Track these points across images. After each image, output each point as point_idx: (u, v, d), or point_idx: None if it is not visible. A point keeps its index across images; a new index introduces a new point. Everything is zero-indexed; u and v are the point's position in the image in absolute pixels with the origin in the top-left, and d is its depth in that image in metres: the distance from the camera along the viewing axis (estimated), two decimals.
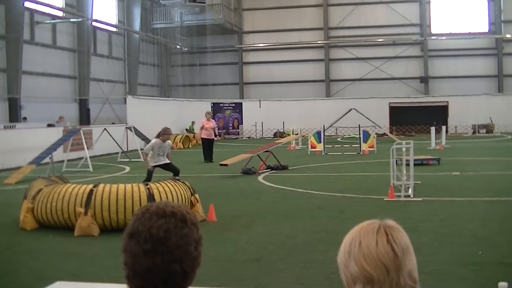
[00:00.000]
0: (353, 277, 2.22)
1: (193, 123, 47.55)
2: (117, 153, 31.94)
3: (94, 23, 44.42)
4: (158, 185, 12.95)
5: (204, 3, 54.25)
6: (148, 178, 16.98)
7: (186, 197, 13.19)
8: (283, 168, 24.58)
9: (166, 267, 2.20)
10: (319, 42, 59.48)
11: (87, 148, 28.14)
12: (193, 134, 45.20)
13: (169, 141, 18.50)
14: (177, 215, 2.28)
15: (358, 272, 2.21)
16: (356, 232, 2.30)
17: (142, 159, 21.42)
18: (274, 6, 59.44)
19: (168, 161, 18.29)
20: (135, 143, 33.04)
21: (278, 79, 59.27)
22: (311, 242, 11.07)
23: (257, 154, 24.88)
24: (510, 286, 3.23)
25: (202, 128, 29.73)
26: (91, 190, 12.45)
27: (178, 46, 58.07)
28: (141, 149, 20.13)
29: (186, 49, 58.57)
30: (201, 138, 30.22)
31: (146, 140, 33.62)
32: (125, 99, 42.80)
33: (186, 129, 48.24)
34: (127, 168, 27.16)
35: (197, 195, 13.57)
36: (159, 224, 2.23)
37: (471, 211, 14.04)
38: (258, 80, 60.10)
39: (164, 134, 18.12)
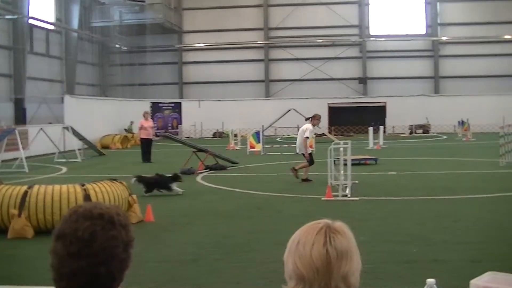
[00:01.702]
0: (289, 273, 2.26)
1: (131, 123, 47.15)
2: (54, 153, 31.44)
3: (30, 21, 43.54)
4: (95, 185, 12.79)
5: (144, 2, 53.85)
6: (312, 161, 19.78)
7: (124, 197, 13.06)
8: (222, 168, 24.57)
9: (92, 270, 2.16)
10: (259, 42, 59.58)
11: (23, 148, 27.55)
12: (131, 134, 44.83)
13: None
14: (105, 217, 2.24)
15: (292, 270, 2.24)
16: (301, 230, 2.32)
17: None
18: (214, 6, 59.26)
19: None
20: (73, 143, 32.57)
21: (218, 79, 59.16)
22: (249, 242, 11.09)
23: (196, 154, 24.78)
24: (438, 282, 3.29)
25: (141, 128, 29.51)
26: (26, 192, 12.21)
27: (117, 45, 57.45)
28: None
29: (126, 48, 57.97)
30: (140, 138, 29.98)
31: (84, 140, 33.24)
32: (63, 98, 42.15)
33: (125, 129, 47.80)
34: (64, 169, 26.77)
35: (134, 196, 13.46)
36: (85, 226, 2.19)
37: (407, 210, 14.26)
38: (197, 80, 59.87)
39: (314, 119, 20.44)
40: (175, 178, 17.94)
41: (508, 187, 17.80)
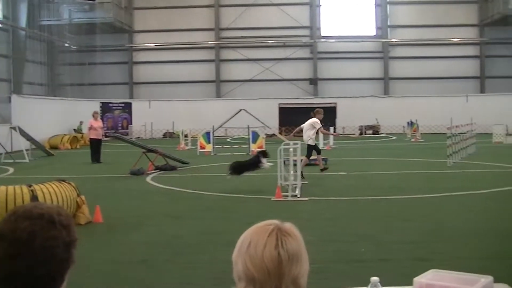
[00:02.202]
0: (239, 274, 2.26)
1: (81, 123, 46.69)
2: (1, 154, 30.95)
3: None
4: (42, 186, 12.64)
5: (94, 0, 53.31)
6: (319, 150, 21.72)
7: (72, 198, 12.92)
8: (172, 168, 24.47)
9: (31, 270, 2.13)
10: (210, 42, 59.50)
11: None
12: (81, 135, 44.40)
13: None
14: (45, 217, 2.21)
15: (242, 271, 2.25)
16: (251, 231, 2.33)
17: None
18: (165, 6, 58.96)
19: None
20: (20, 143, 32.08)
21: (169, 79, 58.87)
22: (199, 242, 11.08)
23: (146, 154, 24.63)
24: (382, 281, 3.33)
25: (90, 128, 29.23)
26: None
27: (66, 44, 56.66)
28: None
29: (75, 47, 57.21)
30: (90, 138, 29.69)
31: (32, 140, 32.79)
32: (10, 98, 41.52)
33: (74, 129, 47.33)
34: (11, 170, 26.37)
35: (83, 196, 13.31)
36: (24, 226, 2.16)
37: (356, 210, 14.41)
38: (148, 80, 59.50)
39: (318, 113, 21.67)
40: (264, 154, 19.03)
41: (455, 187, 18.10)
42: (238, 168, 18.77)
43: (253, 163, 18.75)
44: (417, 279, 3.57)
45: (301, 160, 19.35)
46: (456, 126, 27.42)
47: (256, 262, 2.21)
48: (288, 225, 2.34)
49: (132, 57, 60.43)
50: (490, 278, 3.55)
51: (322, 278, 8.43)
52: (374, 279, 3.34)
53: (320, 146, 34.91)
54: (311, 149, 21.36)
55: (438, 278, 3.54)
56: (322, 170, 21.83)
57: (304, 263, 2.28)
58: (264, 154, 18.97)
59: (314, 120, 21.55)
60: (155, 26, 59.07)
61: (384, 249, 10.35)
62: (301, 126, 21.90)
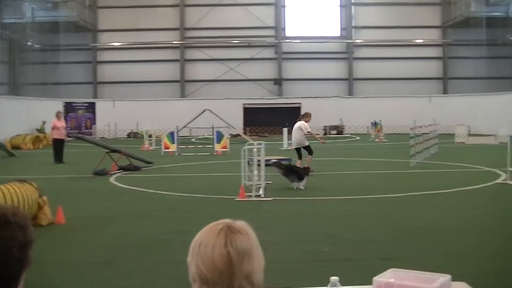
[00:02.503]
0: (193, 276, 2.26)
1: (44, 123, 46.24)
2: None
3: None
4: (3, 187, 12.47)
5: None
6: (311, 151, 22.05)
7: (33, 199, 12.76)
8: (136, 169, 24.33)
9: None
10: (175, 42, 59.35)
11: None
12: (43, 135, 43.96)
13: None
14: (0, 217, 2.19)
15: (195, 272, 2.25)
16: (202, 232, 2.32)
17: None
18: (130, 5, 58.65)
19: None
20: None
21: (133, 79, 58.61)
22: (162, 242, 11.01)
23: (109, 154, 24.46)
24: (343, 280, 3.35)
25: (53, 128, 28.92)
26: None
27: (29, 43, 56.09)
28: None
29: (38, 46, 56.67)
30: (52, 138, 29.37)
31: None
32: None
33: (37, 129, 46.85)
34: None
35: (45, 197, 13.14)
36: None
37: (320, 210, 14.47)
38: (112, 80, 59.15)
39: (306, 117, 22.55)
40: (307, 171, 19.03)
41: (418, 186, 18.25)
42: (289, 171, 18.83)
43: (300, 174, 18.53)
44: (377, 278, 3.59)
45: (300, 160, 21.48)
46: (419, 127, 27.67)
47: (207, 262, 2.21)
48: (239, 223, 2.33)
49: (96, 56, 60.02)
50: (448, 277, 3.58)
51: (285, 278, 8.44)
52: (334, 278, 3.35)
53: (285, 146, 35.13)
54: (309, 148, 22.10)
55: (397, 277, 3.56)
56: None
57: (256, 259, 2.27)
58: (307, 172, 19.04)
59: (301, 123, 22.21)
60: (119, 26, 58.71)
61: (347, 248, 10.40)
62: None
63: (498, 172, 21.36)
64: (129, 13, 58.86)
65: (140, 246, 10.84)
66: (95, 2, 59.81)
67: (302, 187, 18.11)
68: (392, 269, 3.68)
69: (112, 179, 21.45)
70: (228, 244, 2.22)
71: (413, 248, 10.36)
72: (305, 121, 22.33)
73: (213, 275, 2.20)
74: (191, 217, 13.51)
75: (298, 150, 22.29)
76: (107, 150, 24.99)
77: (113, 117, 53.84)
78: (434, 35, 60.51)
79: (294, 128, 22.53)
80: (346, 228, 12.15)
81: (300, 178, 18.28)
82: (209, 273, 2.20)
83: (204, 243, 2.25)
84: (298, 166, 20.85)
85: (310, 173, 20.30)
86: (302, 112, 53.73)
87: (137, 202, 16.38)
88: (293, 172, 18.62)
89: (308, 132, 22.13)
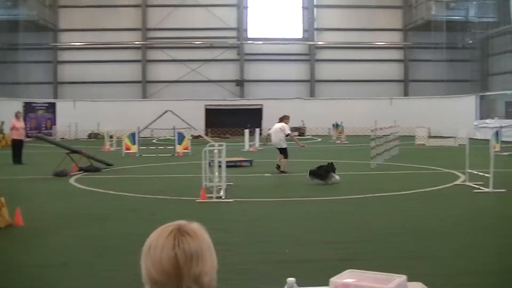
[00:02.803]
0: (144, 277, 2.26)
1: (2, 123, 45.68)
2: None
3: None
4: None
5: None
6: (287, 155, 22.81)
7: None
8: (96, 170, 24.16)
9: None
10: (136, 42, 59.10)
11: None
12: (2, 135, 43.42)
13: None
14: None
15: (146, 274, 2.25)
16: (153, 234, 2.33)
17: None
18: (91, 4, 58.30)
19: None
20: None
21: (94, 79, 58.22)
22: (122, 244, 10.94)
23: (69, 155, 24.24)
24: (299, 281, 3.37)
25: (12, 128, 28.56)
26: None
27: None
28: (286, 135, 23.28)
29: None
30: (12, 139, 29.01)
31: None
32: None
33: None
34: None
35: (2, 199, 12.98)
36: None
37: (280, 211, 14.49)
38: (73, 80, 58.67)
39: (285, 119, 23.33)
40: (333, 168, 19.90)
41: (378, 188, 18.38)
42: (323, 175, 19.63)
43: (327, 171, 19.65)
44: (333, 279, 3.61)
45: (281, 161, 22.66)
46: (380, 129, 27.89)
47: (156, 264, 2.22)
48: (191, 225, 2.33)
49: (57, 56, 59.49)
50: (404, 277, 3.62)
51: (245, 279, 8.47)
52: (290, 280, 3.36)
53: (246, 147, 35.18)
54: (286, 151, 22.92)
55: (353, 278, 3.59)
56: (282, 172, 22.84)
57: (207, 261, 2.27)
58: (333, 168, 19.90)
59: (282, 124, 23.17)
60: (80, 25, 58.30)
61: (308, 249, 10.43)
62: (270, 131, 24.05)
63: (457, 173, 21.63)
64: (90, 12, 58.45)
65: (100, 248, 10.76)
66: (56, 1, 59.29)
67: (338, 178, 19.55)
68: (349, 270, 3.71)
69: (72, 181, 21.26)
70: (176, 246, 2.22)
71: (372, 249, 10.44)
72: (285, 123, 23.21)
73: (161, 277, 2.21)
74: (152, 219, 13.45)
75: (283, 149, 23.07)
76: (67, 151, 24.77)
77: (73, 117, 53.36)
78: (395, 38, 61.13)
79: (274, 129, 23.39)
80: (306, 229, 12.19)
81: (333, 172, 19.68)
82: (158, 275, 2.21)
83: (154, 245, 2.26)
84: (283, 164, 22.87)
85: (284, 174, 22.35)
86: (264, 114, 54.45)
87: (97, 203, 16.25)
88: (325, 172, 19.65)
89: (288, 134, 23.04)
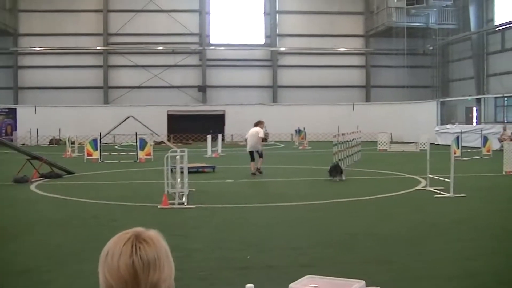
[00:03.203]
0: (101, 285, 2.25)
1: None
2: None
3: None
4: None
5: None
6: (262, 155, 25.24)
7: None
8: (57, 176, 23.94)
9: None
10: (98, 48, 58.70)
11: None
12: None
13: None
14: None
15: (103, 282, 2.24)
16: (111, 241, 2.31)
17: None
18: (52, 9, 57.69)
19: None
20: None
21: (56, 84, 57.63)
22: (83, 251, 10.84)
23: (30, 162, 23.97)
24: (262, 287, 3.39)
25: None
26: None
27: None
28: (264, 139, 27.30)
29: None
30: None
31: None
32: None
33: None
34: None
35: None
36: None
37: (242, 217, 14.50)
38: (34, 85, 58.02)
39: (260, 124, 25.82)
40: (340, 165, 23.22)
41: (340, 193, 18.52)
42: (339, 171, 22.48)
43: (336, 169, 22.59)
44: (293, 285, 3.64)
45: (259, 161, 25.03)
46: (343, 134, 28.04)
47: (113, 272, 2.21)
48: (149, 233, 2.33)
49: (17, 61, 58.76)
50: (362, 283, 3.65)
51: (206, 285, 8.47)
52: (249, 286, 3.37)
53: (209, 153, 35.15)
54: (261, 152, 25.32)
55: (312, 284, 3.61)
56: (254, 174, 24.82)
57: (164, 268, 2.27)
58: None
59: (259, 129, 25.43)
60: (41, 30, 57.67)
61: (269, 255, 10.44)
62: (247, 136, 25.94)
63: (419, 179, 21.85)
64: (51, 17, 57.87)
65: (60, 255, 10.66)
66: (16, 5, 58.55)
67: (343, 178, 22.13)
68: (308, 276, 3.73)
69: (33, 187, 21.04)
70: (133, 254, 2.22)
71: (333, 255, 10.50)
72: (260, 127, 25.52)
73: (119, 284, 2.20)
74: (113, 225, 13.36)
75: (252, 153, 25.07)
76: (28, 157, 24.49)
77: (34, 123, 52.77)
78: (357, 44, 61.57)
79: (251, 133, 25.36)
80: (268, 236, 12.21)
81: (341, 172, 22.42)
82: (115, 282, 2.20)
83: (111, 252, 2.25)
84: (252, 167, 24.91)
85: (259, 173, 24.75)
86: (227, 119, 54.47)
87: (58, 210, 16.11)
88: (334, 169, 22.41)
89: (260, 137, 25.35)
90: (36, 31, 57.91)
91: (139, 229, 2.33)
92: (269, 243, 11.49)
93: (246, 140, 25.97)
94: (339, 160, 25.14)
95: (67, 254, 10.74)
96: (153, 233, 2.33)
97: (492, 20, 51.73)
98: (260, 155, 25.08)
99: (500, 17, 50.53)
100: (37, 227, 13.41)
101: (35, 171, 23.58)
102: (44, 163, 24.21)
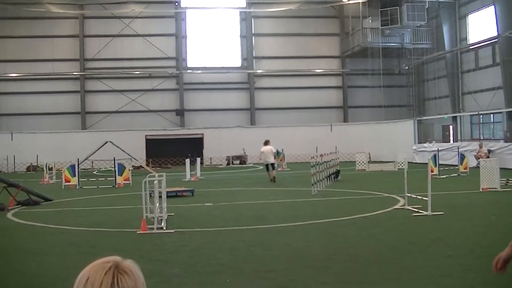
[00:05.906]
0: None
1: None
2: None
3: None
4: None
5: None
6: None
7: None
8: (35, 203, 23.75)
9: None
10: (75, 73, 58.56)
11: None
12: None
13: None
14: None
15: None
16: (89, 267, 2.32)
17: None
18: (27, 35, 57.45)
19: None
20: None
21: (32, 110, 57.32)
22: (60, 280, 10.76)
23: (6, 189, 23.78)
24: None
25: None
26: None
27: None
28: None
29: None
30: None
31: None
32: None
33: None
34: None
35: None
36: None
37: (220, 241, 14.47)
38: (10, 112, 57.62)
39: (269, 141, 33.67)
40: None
41: (318, 214, 18.57)
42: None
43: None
44: None
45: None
46: (321, 155, 28.13)
47: None
48: (127, 263, 2.35)
49: None
50: None
51: None
52: None
53: (187, 177, 35.11)
54: (274, 165, 33.72)
55: None
56: (272, 180, 31.92)
57: None
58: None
59: (271, 147, 33.29)
60: (16, 56, 57.37)
61: (247, 278, 10.46)
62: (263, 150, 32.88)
63: (397, 198, 21.94)
64: (27, 43, 57.62)
65: (37, 284, 10.60)
66: None
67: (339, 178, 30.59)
68: None
69: (9, 215, 20.86)
70: (115, 284, 2.24)
71: (311, 276, 10.51)
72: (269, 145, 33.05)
73: None
74: (92, 252, 13.28)
75: (267, 165, 32.75)
76: (4, 185, 24.31)
77: (11, 150, 52.44)
78: (333, 65, 61.95)
79: (267, 149, 32.77)
80: (245, 258, 12.21)
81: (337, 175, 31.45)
82: None
83: (91, 280, 2.26)
84: (270, 176, 32.38)
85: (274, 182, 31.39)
86: (205, 143, 54.44)
87: (35, 238, 15.99)
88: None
89: (274, 153, 34.04)
90: (11, 57, 57.57)
91: (117, 258, 2.35)
92: (247, 265, 11.50)
93: (262, 153, 32.86)
94: (316, 182, 25.23)
95: (43, 283, 10.68)
96: (131, 264, 2.36)
97: (465, 39, 52.34)
98: (273, 167, 32.76)
99: (473, 36, 51.18)
100: (13, 256, 13.29)
101: (12, 198, 23.38)
102: (21, 190, 24.02)
